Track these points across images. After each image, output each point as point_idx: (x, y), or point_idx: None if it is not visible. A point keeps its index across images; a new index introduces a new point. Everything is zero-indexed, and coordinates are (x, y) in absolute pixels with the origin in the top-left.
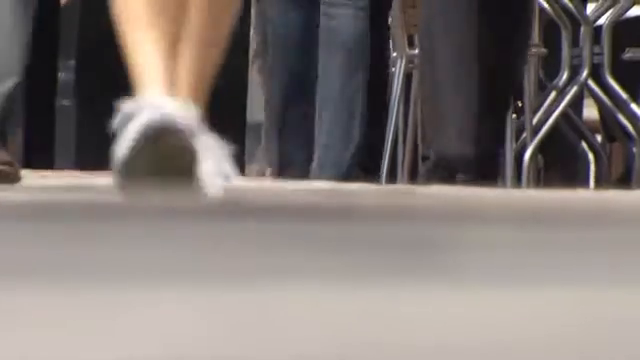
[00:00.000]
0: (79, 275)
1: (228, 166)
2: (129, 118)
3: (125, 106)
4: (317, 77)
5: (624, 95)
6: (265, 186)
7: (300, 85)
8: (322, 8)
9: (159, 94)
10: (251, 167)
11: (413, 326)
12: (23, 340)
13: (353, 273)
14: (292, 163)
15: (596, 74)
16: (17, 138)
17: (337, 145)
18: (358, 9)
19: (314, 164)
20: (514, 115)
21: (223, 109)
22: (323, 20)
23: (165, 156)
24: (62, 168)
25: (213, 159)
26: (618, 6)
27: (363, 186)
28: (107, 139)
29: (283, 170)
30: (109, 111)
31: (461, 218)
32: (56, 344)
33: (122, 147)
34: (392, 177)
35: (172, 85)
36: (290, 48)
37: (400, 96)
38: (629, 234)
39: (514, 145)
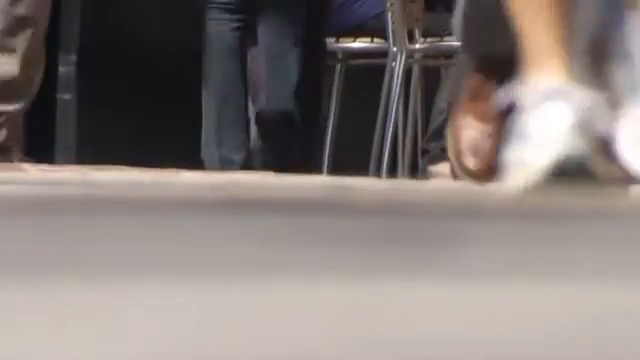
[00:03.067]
0: (79, 271)
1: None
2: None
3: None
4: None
5: None
6: (264, 180)
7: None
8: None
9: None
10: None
11: (413, 321)
12: (22, 337)
13: (352, 268)
14: (233, 162)
15: None
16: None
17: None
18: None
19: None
20: None
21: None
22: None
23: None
24: (62, 162)
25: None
26: None
27: (363, 181)
28: (107, 133)
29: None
30: (110, 105)
31: (459, 212)
32: (56, 342)
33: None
34: (392, 172)
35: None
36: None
37: (400, 91)
38: (627, 228)
39: None
